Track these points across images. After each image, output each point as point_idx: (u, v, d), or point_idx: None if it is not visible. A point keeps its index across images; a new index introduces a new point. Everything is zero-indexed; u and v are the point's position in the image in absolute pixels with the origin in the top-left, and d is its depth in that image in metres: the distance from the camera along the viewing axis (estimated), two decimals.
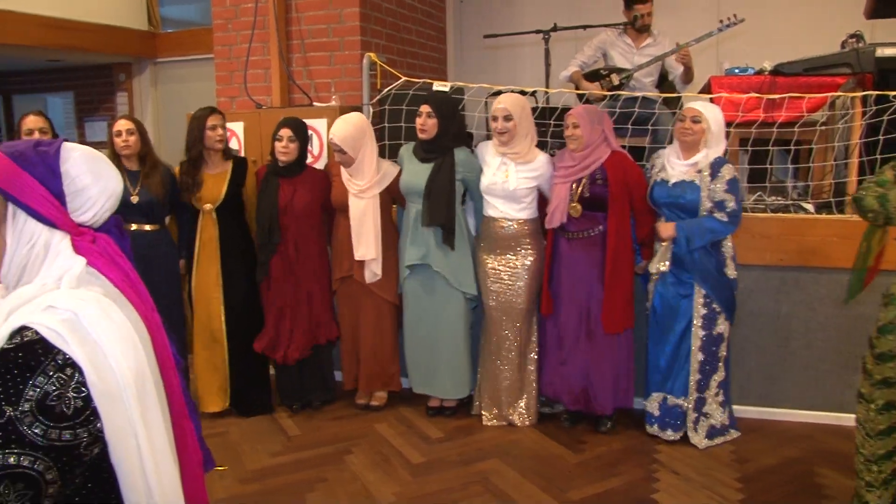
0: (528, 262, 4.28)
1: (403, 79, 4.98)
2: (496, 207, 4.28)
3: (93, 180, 1.44)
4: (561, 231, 4.17)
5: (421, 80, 5.00)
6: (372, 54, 5.22)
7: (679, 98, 4.85)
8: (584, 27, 5.45)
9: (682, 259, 3.93)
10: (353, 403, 4.72)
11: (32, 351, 1.24)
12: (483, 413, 4.47)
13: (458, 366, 4.46)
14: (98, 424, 1.28)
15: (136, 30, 7.61)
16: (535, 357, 4.39)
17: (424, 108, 4.30)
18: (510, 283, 4.30)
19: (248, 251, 4.56)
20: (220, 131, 4.42)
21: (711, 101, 4.32)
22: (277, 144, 4.41)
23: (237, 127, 5.30)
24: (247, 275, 4.53)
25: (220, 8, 5.81)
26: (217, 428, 4.44)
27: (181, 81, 7.92)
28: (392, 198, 4.56)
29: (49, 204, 1.38)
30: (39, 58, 7.80)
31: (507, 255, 4.30)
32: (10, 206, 1.37)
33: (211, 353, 4.52)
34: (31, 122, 4.23)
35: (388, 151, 4.79)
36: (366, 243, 4.36)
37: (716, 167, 3.89)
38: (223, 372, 4.54)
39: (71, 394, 1.25)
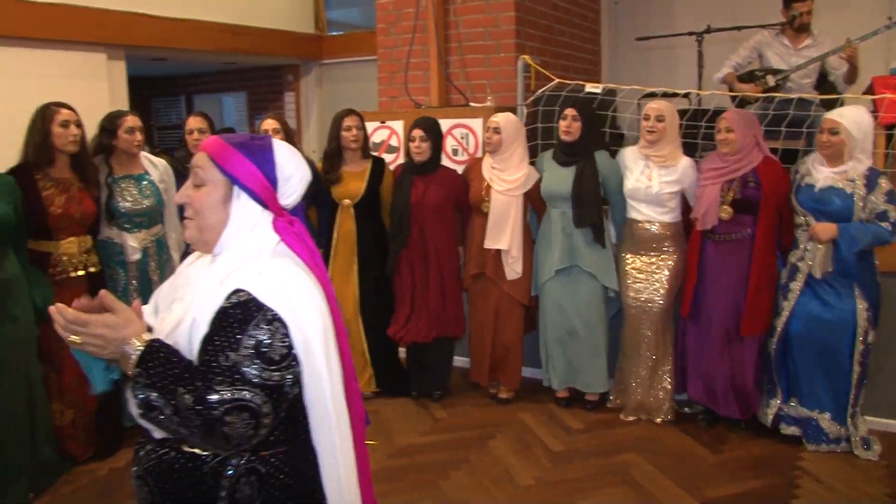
0: (670, 264, 4.33)
1: (556, 80, 5.12)
2: (640, 210, 4.35)
3: (295, 169, 1.72)
4: (708, 233, 4.18)
5: (574, 82, 5.12)
6: (526, 56, 5.39)
7: (837, 99, 4.72)
8: (739, 28, 5.40)
9: (845, 264, 3.86)
10: (488, 394, 4.92)
11: (247, 308, 1.53)
12: (620, 406, 4.57)
13: (599, 361, 4.56)
14: (297, 369, 1.56)
15: (303, 33, 8.08)
16: (673, 356, 4.43)
17: (569, 112, 4.42)
18: (651, 282, 4.36)
19: (382, 245, 4.81)
20: (354, 132, 4.71)
21: (874, 102, 4.21)
22: (411, 144, 4.66)
23: (397, 125, 5.60)
24: (380, 267, 4.79)
25: (384, 13, 6.13)
26: (369, 407, 4.73)
27: (345, 81, 8.36)
28: (528, 202, 4.68)
29: (265, 188, 1.66)
30: (217, 61, 8.43)
31: (649, 256, 4.37)
32: (235, 188, 1.65)
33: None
34: (193, 122, 4.68)
35: (541, 151, 4.92)
36: (500, 233, 4.53)
37: (872, 178, 3.80)
38: (363, 357, 4.82)
39: (278, 343, 1.53)
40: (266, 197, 1.67)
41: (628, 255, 4.43)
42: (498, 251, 4.58)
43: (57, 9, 5.42)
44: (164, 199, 4.33)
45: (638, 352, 4.43)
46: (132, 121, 4.22)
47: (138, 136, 4.23)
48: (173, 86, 10.40)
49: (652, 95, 4.98)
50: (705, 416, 4.38)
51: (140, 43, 6.17)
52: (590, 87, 5.01)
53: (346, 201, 4.71)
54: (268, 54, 7.75)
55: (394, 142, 5.64)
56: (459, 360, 5.20)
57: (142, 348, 1.51)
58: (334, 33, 8.52)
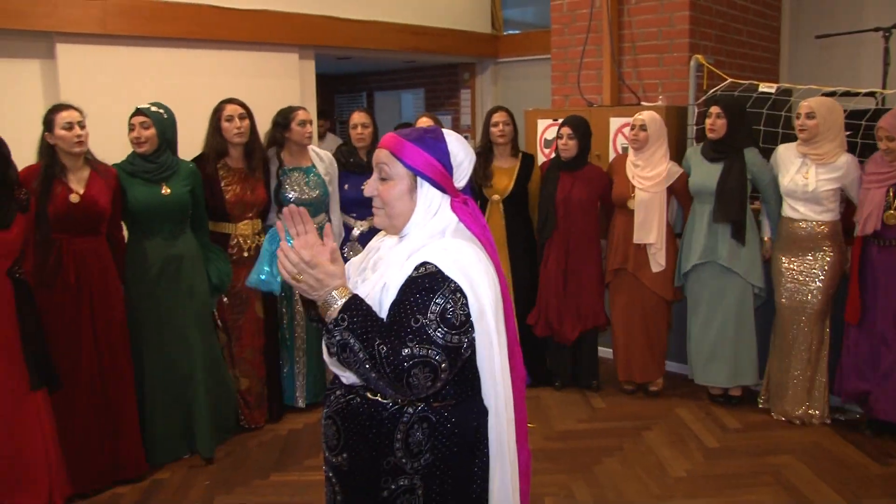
0: (827, 264, 4.26)
1: (729, 80, 5.10)
2: (796, 209, 4.30)
3: (465, 155, 1.96)
4: (873, 237, 4.08)
5: (746, 82, 5.08)
6: (699, 56, 5.39)
7: None
8: None
9: None
10: (638, 387, 5.00)
11: (434, 279, 1.79)
12: (770, 407, 4.54)
13: (744, 356, 4.57)
14: (473, 334, 1.81)
15: (480, 33, 8.35)
16: (828, 358, 4.34)
17: (714, 109, 4.49)
18: (805, 282, 4.30)
19: (530, 239, 5.00)
20: (501, 127, 4.92)
21: None
22: (559, 142, 4.82)
23: None
24: (528, 260, 4.97)
25: (558, 14, 6.29)
26: (530, 393, 4.94)
27: (519, 79, 8.57)
28: (671, 197, 4.76)
29: (442, 175, 1.91)
30: (397, 59, 8.85)
31: (805, 256, 4.31)
32: (418, 179, 1.90)
33: None
34: (357, 117, 4.97)
35: None
36: (649, 229, 4.62)
37: None
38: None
39: (459, 311, 1.78)
40: (444, 182, 1.92)
41: (783, 255, 4.39)
42: (639, 246, 4.69)
43: (257, 14, 5.94)
44: (329, 190, 4.70)
45: (791, 353, 4.38)
46: (304, 114, 4.61)
47: (308, 129, 4.61)
48: (356, 83, 10.99)
49: (832, 94, 4.86)
50: (870, 425, 4.26)
51: (329, 44, 6.62)
52: (763, 87, 4.96)
53: (496, 196, 4.92)
54: (446, 53, 8.06)
55: None
56: (603, 352, 5.29)
57: (346, 298, 1.78)
58: (510, 32, 8.74)
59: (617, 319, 4.92)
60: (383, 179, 1.93)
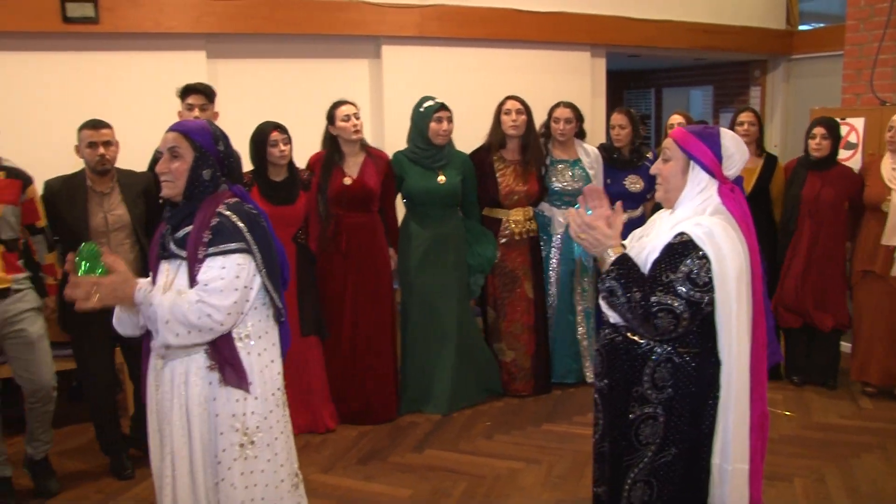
0: None
1: None
2: None
3: (736, 150, 2.37)
4: None
5: None
6: None
7: None
8: None
9: None
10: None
11: (686, 246, 2.24)
12: None
13: None
14: (713, 294, 2.22)
15: (773, 29, 8.24)
16: None
17: None
18: None
19: (769, 238, 4.99)
20: (746, 127, 5.01)
21: None
22: (811, 142, 4.81)
23: (858, 122, 5.65)
24: (765, 260, 4.87)
25: (855, 9, 6.16)
26: (794, 389, 5.06)
27: (811, 77, 8.34)
28: None
29: (713, 163, 2.33)
30: (686, 57, 8.97)
31: None
32: (691, 162, 2.35)
33: None
34: (615, 118, 5.24)
35: None
36: None
37: None
38: None
39: (703, 273, 2.21)
40: (714, 168, 2.34)
41: None
42: (889, 248, 4.59)
43: (555, 16, 6.44)
44: (593, 183, 5.05)
45: None
46: (560, 112, 5.01)
47: (562, 126, 4.98)
48: (644, 79, 11.22)
49: None
50: None
51: (621, 43, 6.97)
52: None
53: None
54: (737, 51, 8.07)
55: (853, 139, 5.70)
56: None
57: (617, 255, 2.32)
58: (804, 28, 8.53)
59: (861, 321, 4.86)
60: (665, 161, 2.41)
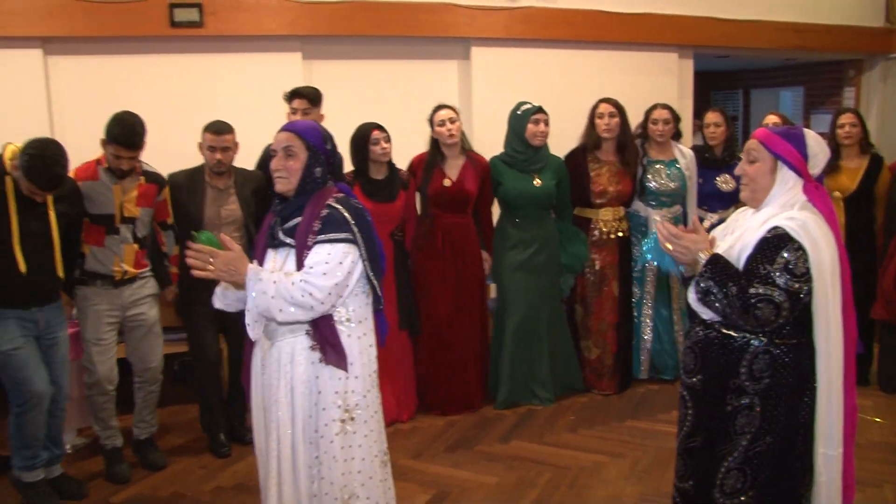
0: None
1: None
2: None
3: (819, 150, 2.43)
4: None
5: None
6: None
7: None
8: None
9: None
10: None
11: (781, 238, 2.30)
12: None
13: None
14: (811, 285, 2.27)
15: (871, 27, 8.02)
16: None
17: None
18: None
19: (869, 239, 4.97)
20: (847, 129, 4.91)
21: None
22: None
23: None
24: (866, 260, 4.88)
25: None
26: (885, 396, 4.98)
27: None
28: None
29: (799, 162, 2.38)
30: (775, 57, 8.82)
31: None
32: (778, 163, 2.40)
33: None
34: (711, 117, 5.23)
35: None
36: None
37: None
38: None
39: (800, 264, 2.27)
40: (800, 167, 2.39)
41: None
42: None
43: (642, 17, 6.44)
44: (688, 184, 5.07)
45: None
46: (658, 113, 5.03)
47: (660, 128, 5.00)
48: (732, 79, 11.05)
49: None
50: None
51: (708, 43, 6.91)
52: None
53: (837, 193, 4.93)
54: (829, 50, 7.91)
55: None
56: None
57: (708, 256, 2.38)
58: None
59: None
60: (751, 162, 2.45)
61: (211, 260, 2.39)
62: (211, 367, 4.20)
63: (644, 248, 2.68)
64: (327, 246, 2.44)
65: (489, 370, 4.90)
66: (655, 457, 4.05)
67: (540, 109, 4.65)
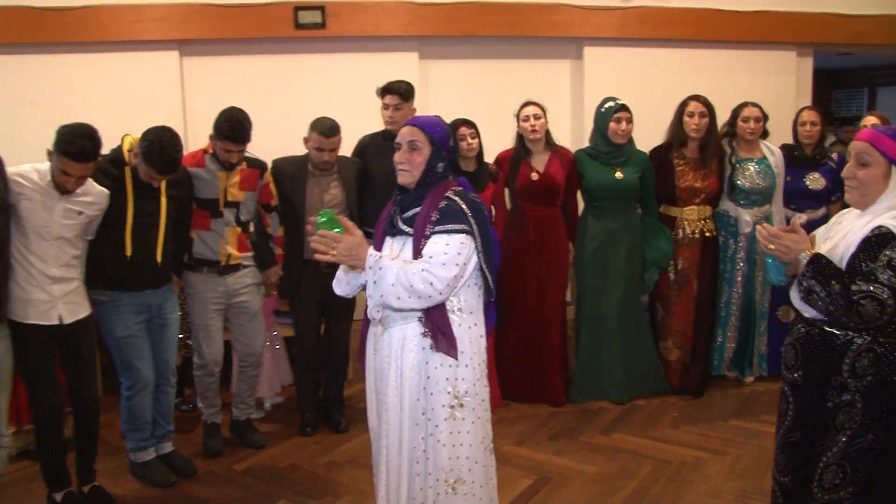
0: None
1: None
2: None
3: None
4: None
5: None
6: None
7: None
8: None
9: None
10: None
11: (885, 237, 2.33)
12: None
13: None
14: None
15: None
16: None
17: None
18: None
19: None
20: None
21: None
22: None
23: None
24: None
25: None
26: None
27: None
28: None
29: None
30: None
31: None
32: (892, 167, 2.40)
33: None
34: (807, 115, 5.10)
35: None
36: None
37: None
38: None
39: None
40: None
41: None
42: None
43: (757, 15, 6.31)
44: (777, 182, 4.99)
45: None
46: (749, 111, 4.94)
47: (751, 126, 4.92)
48: (856, 77, 10.67)
49: None
50: None
51: (829, 41, 6.70)
52: None
53: None
54: None
55: None
56: None
57: (809, 256, 2.40)
58: None
59: None
60: (862, 165, 2.44)
61: (334, 245, 2.52)
62: (311, 350, 4.44)
63: (768, 261, 2.69)
64: (445, 237, 2.53)
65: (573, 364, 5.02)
66: (757, 455, 4.06)
67: (623, 107, 4.71)
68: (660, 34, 6.22)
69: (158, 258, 3.72)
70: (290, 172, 4.28)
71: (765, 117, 4.98)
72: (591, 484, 3.83)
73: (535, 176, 4.69)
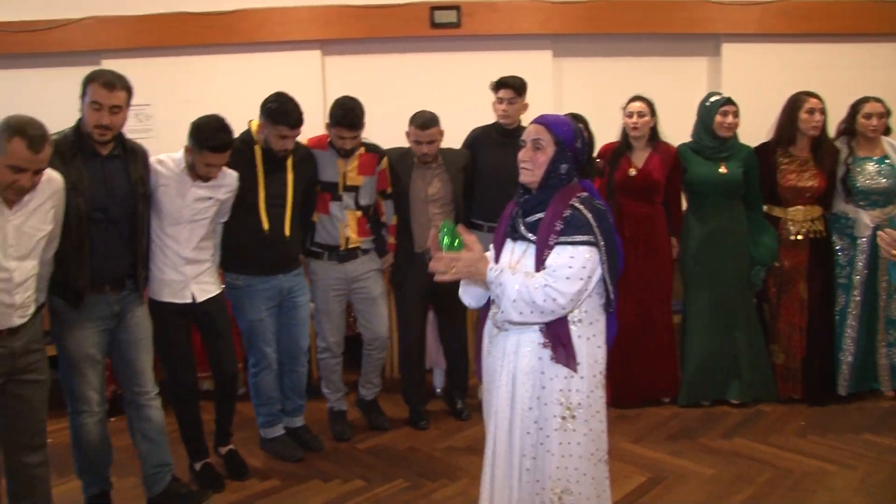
0: None
1: None
2: None
3: None
4: None
5: None
6: None
7: None
8: None
9: None
10: None
11: None
12: None
13: None
14: None
15: None
16: None
17: None
18: None
19: None
20: None
21: None
22: None
23: None
24: None
25: None
26: None
27: None
28: None
29: None
30: None
31: None
32: None
33: None
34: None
35: None
36: None
37: None
38: None
39: None
40: None
41: None
42: None
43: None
44: None
45: None
46: (871, 107, 4.67)
47: (873, 122, 4.64)
48: None
49: None
50: None
51: None
52: None
53: None
54: None
55: None
56: None
57: None
58: None
59: None
60: None
61: (454, 264, 2.52)
62: (416, 343, 4.59)
63: (889, 265, 2.63)
64: (569, 248, 2.48)
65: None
66: (892, 473, 3.87)
67: (728, 101, 4.62)
68: (803, 28, 5.95)
69: (287, 233, 3.95)
70: (398, 164, 4.44)
71: (887, 113, 4.73)
72: (706, 486, 3.79)
73: (633, 172, 4.67)
